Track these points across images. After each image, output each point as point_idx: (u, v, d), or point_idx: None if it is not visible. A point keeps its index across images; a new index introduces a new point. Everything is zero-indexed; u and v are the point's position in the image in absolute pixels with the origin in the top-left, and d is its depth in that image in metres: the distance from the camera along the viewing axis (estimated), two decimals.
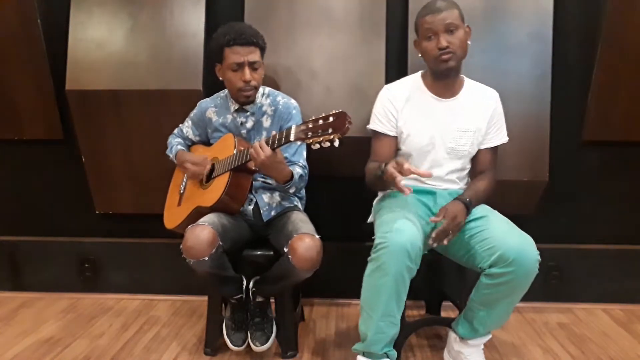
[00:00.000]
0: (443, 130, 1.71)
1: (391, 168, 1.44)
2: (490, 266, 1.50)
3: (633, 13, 1.95)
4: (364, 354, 1.61)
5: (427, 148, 1.72)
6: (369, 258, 1.52)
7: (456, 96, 1.73)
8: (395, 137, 1.76)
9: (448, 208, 1.57)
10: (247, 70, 1.73)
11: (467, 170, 1.80)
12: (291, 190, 1.76)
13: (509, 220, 1.63)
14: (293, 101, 1.87)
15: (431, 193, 1.74)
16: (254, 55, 1.74)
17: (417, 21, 1.68)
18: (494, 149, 1.77)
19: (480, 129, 1.72)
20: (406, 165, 1.42)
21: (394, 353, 1.62)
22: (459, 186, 1.77)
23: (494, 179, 1.76)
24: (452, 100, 1.72)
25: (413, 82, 1.77)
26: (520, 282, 1.50)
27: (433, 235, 1.54)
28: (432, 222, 1.56)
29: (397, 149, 1.78)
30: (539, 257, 1.49)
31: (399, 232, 1.47)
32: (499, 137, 1.77)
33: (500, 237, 1.52)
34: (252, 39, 1.73)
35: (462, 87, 1.74)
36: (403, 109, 1.73)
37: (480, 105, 1.73)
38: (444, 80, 1.70)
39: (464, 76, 1.76)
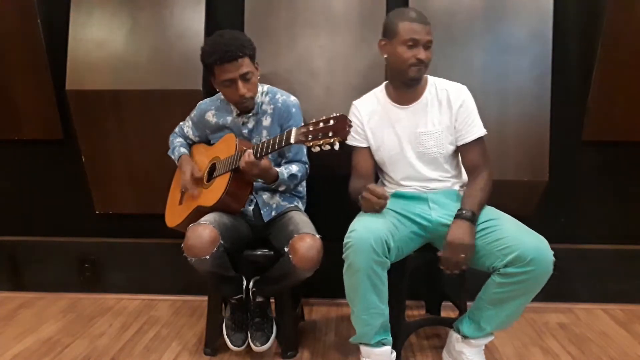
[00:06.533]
0: (409, 137, 1.72)
1: (367, 193, 1.55)
2: (506, 266, 1.49)
3: (633, 13, 1.95)
4: (361, 343, 1.67)
5: (397, 157, 1.73)
6: (343, 257, 1.55)
7: (418, 100, 1.71)
8: (369, 148, 1.78)
9: (449, 237, 1.55)
10: (240, 85, 1.70)
11: (452, 167, 1.75)
12: (281, 189, 1.77)
13: (520, 222, 1.61)
14: (292, 98, 1.86)
15: (422, 199, 1.72)
16: (245, 67, 1.69)
17: (396, 23, 1.62)
18: (477, 142, 1.68)
19: (449, 127, 1.69)
20: (379, 190, 1.54)
21: (390, 340, 1.66)
22: (450, 183, 1.74)
23: (489, 174, 1.68)
24: (414, 105, 1.71)
25: (376, 95, 1.79)
26: (535, 282, 1.50)
27: (440, 266, 1.58)
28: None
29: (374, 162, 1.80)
30: (554, 258, 1.49)
31: (361, 229, 1.51)
32: (473, 131, 1.68)
33: (516, 237, 1.51)
34: (239, 52, 1.65)
35: (425, 89, 1.72)
36: (368, 122, 1.76)
37: (444, 103, 1.69)
38: (406, 88, 1.71)
39: (428, 76, 1.74)
